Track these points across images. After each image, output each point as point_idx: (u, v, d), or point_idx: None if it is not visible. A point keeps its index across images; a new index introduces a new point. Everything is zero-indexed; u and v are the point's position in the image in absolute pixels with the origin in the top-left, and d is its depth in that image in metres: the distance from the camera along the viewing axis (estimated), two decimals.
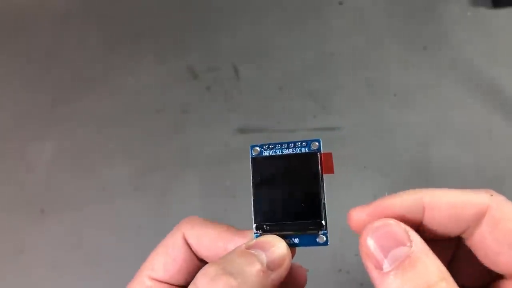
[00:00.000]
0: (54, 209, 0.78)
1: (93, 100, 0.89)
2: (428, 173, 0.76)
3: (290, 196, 0.21)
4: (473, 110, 0.81)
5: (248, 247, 0.19)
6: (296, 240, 0.21)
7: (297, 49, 0.91)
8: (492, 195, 0.19)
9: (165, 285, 0.21)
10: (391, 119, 0.82)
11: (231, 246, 0.21)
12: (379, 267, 0.17)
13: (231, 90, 0.87)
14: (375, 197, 0.81)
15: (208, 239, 0.21)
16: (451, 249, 0.22)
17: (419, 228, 0.20)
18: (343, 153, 0.79)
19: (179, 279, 0.22)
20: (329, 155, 0.21)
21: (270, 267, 0.18)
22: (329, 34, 0.92)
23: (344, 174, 0.77)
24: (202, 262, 0.22)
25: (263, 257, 0.19)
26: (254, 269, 0.18)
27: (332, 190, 0.81)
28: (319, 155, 0.21)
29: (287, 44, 0.91)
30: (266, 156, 0.22)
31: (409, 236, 0.18)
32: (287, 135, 0.82)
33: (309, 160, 0.21)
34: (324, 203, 0.21)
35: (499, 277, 0.20)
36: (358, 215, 0.20)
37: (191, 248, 0.22)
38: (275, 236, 0.20)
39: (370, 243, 0.18)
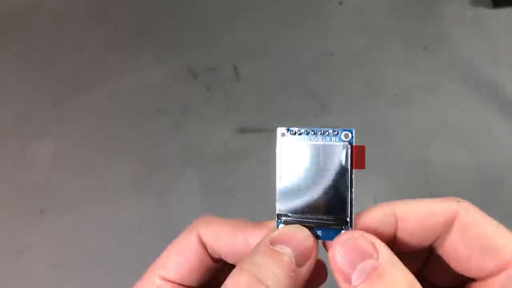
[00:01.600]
0: (54, 209, 0.78)
1: (93, 100, 0.89)
2: (428, 173, 0.76)
3: (316, 188, 0.20)
4: (473, 110, 0.81)
5: (272, 242, 0.18)
6: (319, 233, 0.20)
7: (297, 49, 0.91)
8: (458, 201, 0.19)
9: (176, 285, 0.21)
10: (391, 119, 0.82)
11: (252, 239, 0.20)
12: (348, 281, 0.17)
13: (231, 90, 0.87)
14: (375, 197, 0.81)
15: (226, 235, 0.21)
16: (423, 258, 0.23)
17: (394, 241, 0.20)
18: None
19: (190, 280, 0.21)
20: (361, 149, 0.19)
21: (298, 262, 0.18)
22: (329, 34, 0.92)
23: None
24: (215, 263, 0.22)
25: (290, 253, 0.18)
26: (285, 272, 0.17)
27: None
28: (350, 148, 0.19)
29: (287, 44, 0.91)
30: (294, 142, 0.20)
31: (375, 248, 0.18)
32: None
33: (339, 152, 0.19)
34: (352, 199, 0.19)
35: (470, 279, 0.20)
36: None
37: (205, 249, 0.21)
38: (298, 226, 0.19)
39: (338, 257, 0.18)
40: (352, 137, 0.19)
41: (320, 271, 0.22)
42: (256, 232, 0.21)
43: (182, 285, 0.21)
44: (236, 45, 0.92)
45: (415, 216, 0.19)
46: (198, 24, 0.96)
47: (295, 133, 0.20)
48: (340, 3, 0.95)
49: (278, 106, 0.85)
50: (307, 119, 0.83)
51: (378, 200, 0.74)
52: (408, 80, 0.85)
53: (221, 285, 0.18)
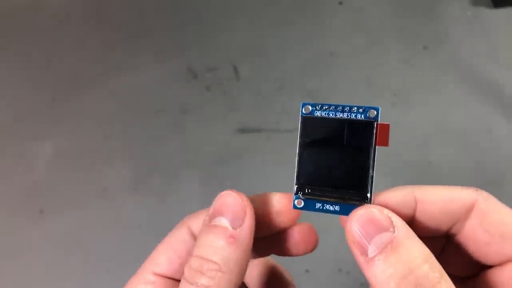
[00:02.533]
0: (54, 209, 0.78)
1: (93, 100, 0.89)
2: (428, 173, 0.76)
3: (338, 163, 0.20)
4: (473, 110, 0.81)
5: (210, 218, 0.19)
6: (337, 208, 0.20)
7: (297, 49, 0.91)
8: (477, 190, 0.20)
9: (169, 280, 0.21)
10: (391, 119, 0.81)
11: None
12: (365, 253, 0.18)
13: (231, 90, 0.87)
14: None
15: None
16: (439, 247, 0.23)
17: (411, 223, 0.20)
18: None
19: (182, 274, 0.21)
20: (386, 126, 0.20)
21: (234, 225, 0.18)
22: (329, 34, 0.92)
23: None
24: None
25: (225, 220, 0.19)
26: (223, 240, 0.18)
27: None
28: (375, 125, 0.20)
29: (287, 44, 0.91)
30: (317, 117, 0.20)
31: (391, 222, 0.18)
32: (287, 135, 0.82)
33: (364, 128, 0.19)
34: (373, 176, 0.20)
35: (487, 267, 0.21)
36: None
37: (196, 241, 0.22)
38: (228, 193, 0.20)
39: (354, 230, 0.18)
40: (378, 114, 0.20)
41: (309, 235, 0.22)
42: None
43: (175, 279, 0.21)
44: (236, 45, 0.92)
45: (435, 200, 0.20)
46: (198, 24, 0.96)
47: (321, 108, 0.20)
48: (340, 3, 0.95)
49: (278, 106, 0.85)
50: None
51: None
52: (408, 80, 0.85)
53: None
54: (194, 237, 0.22)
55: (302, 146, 0.20)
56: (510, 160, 0.76)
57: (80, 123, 0.87)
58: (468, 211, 0.20)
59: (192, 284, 0.18)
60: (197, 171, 0.79)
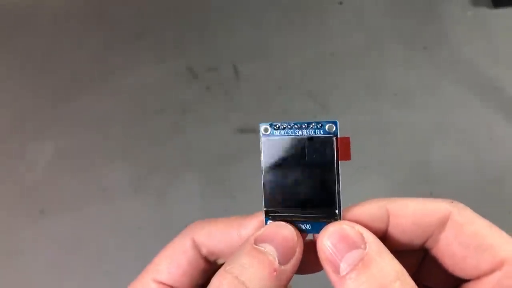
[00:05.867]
0: (54, 209, 0.78)
1: (93, 100, 0.89)
2: (428, 173, 0.76)
3: (303, 182, 0.20)
4: (473, 110, 0.81)
5: (256, 241, 0.18)
6: (308, 226, 0.20)
7: (297, 49, 0.91)
8: (452, 202, 0.19)
9: None
10: (391, 119, 0.82)
11: (244, 232, 0.20)
12: (336, 271, 0.17)
13: (231, 90, 0.87)
14: (375, 197, 0.81)
15: (220, 232, 0.21)
16: (417, 261, 0.23)
17: (385, 237, 0.20)
18: None
19: (183, 283, 0.21)
20: (346, 140, 0.19)
21: (281, 261, 0.18)
22: (329, 34, 0.92)
23: (344, 174, 0.76)
24: (210, 266, 0.22)
25: (273, 251, 0.18)
26: (267, 272, 0.17)
27: None
28: (335, 140, 0.19)
29: (287, 44, 0.91)
30: (277, 137, 0.20)
31: (363, 238, 0.18)
32: None
33: (324, 144, 0.19)
34: (339, 191, 0.20)
35: (464, 280, 0.20)
36: None
37: (199, 252, 0.22)
38: (281, 223, 0.19)
39: (326, 248, 0.18)
40: (336, 128, 0.19)
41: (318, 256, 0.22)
42: (246, 224, 0.21)
43: (175, 287, 0.21)
44: (236, 45, 0.92)
45: (408, 213, 0.19)
46: (198, 24, 0.96)
47: (279, 127, 0.20)
48: (340, 3, 0.95)
49: (278, 106, 0.85)
50: (307, 119, 0.82)
51: None
52: (408, 80, 0.85)
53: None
54: (197, 249, 0.21)
55: (266, 168, 0.20)
56: (510, 160, 0.76)
57: (80, 123, 0.87)
58: (442, 224, 0.19)
59: None
60: (197, 171, 0.79)
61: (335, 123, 0.19)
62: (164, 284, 0.21)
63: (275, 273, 0.18)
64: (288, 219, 0.20)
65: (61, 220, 0.77)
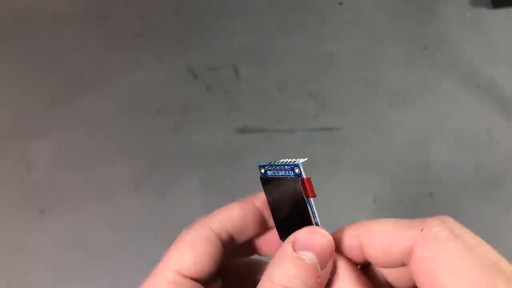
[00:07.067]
0: (54, 209, 0.78)
1: (93, 100, 0.89)
2: (428, 173, 0.77)
3: (294, 214, 0.21)
4: (473, 110, 0.81)
5: (296, 249, 0.19)
6: None
7: (297, 49, 0.91)
8: (422, 230, 0.18)
9: (193, 281, 0.21)
10: (391, 119, 0.82)
11: (258, 203, 0.22)
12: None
13: (231, 90, 0.87)
14: (375, 196, 0.81)
15: (235, 212, 0.23)
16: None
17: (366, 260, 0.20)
18: (343, 153, 0.79)
19: (206, 273, 0.21)
20: (308, 180, 0.21)
21: (321, 266, 0.19)
22: (329, 34, 0.92)
23: (344, 174, 0.77)
24: (228, 250, 0.22)
25: (314, 258, 0.19)
26: (313, 280, 0.18)
27: (332, 189, 0.80)
28: (300, 181, 0.21)
29: (287, 44, 0.91)
30: (269, 177, 0.22)
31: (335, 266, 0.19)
32: (287, 135, 0.82)
33: (295, 184, 0.21)
34: (318, 223, 0.21)
35: None
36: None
37: (220, 238, 0.22)
38: (316, 228, 0.20)
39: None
40: (300, 170, 0.21)
41: None
42: (257, 197, 0.23)
43: (197, 280, 0.21)
44: (236, 45, 0.92)
45: (377, 242, 0.19)
46: (198, 24, 0.96)
47: (269, 167, 0.22)
48: (340, 4, 0.95)
49: (278, 106, 0.85)
50: (307, 119, 0.83)
51: (378, 200, 0.74)
52: (408, 80, 0.85)
53: (232, 276, 0.19)
54: (217, 236, 0.22)
55: (270, 203, 0.22)
56: (510, 160, 0.76)
57: (80, 123, 0.87)
58: (407, 255, 0.18)
59: None
60: (197, 170, 0.79)
61: (298, 165, 0.21)
62: (187, 277, 0.21)
63: (319, 279, 0.18)
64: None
65: (62, 219, 0.77)
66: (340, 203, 0.72)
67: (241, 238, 0.23)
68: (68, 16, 1.01)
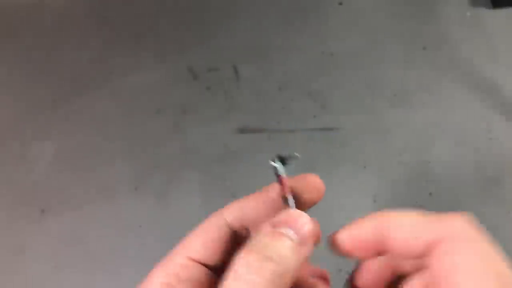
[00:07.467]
0: (55, 209, 0.78)
1: (93, 100, 0.89)
2: (428, 173, 0.77)
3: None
4: (472, 110, 0.81)
5: (275, 225, 0.20)
6: None
7: (297, 49, 0.91)
8: (449, 226, 0.19)
9: (202, 266, 0.22)
10: (391, 119, 0.82)
11: (272, 194, 0.23)
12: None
13: (231, 90, 0.87)
14: (375, 196, 0.81)
15: (249, 203, 0.23)
16: None
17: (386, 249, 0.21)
18: (343, 153, 0.79)
19: (216, 260, 0.22)
20: (283, 179, 0.23)
21: (301, 242, 0.20)
22: (329, 34, 0.92)
23: (344, 174, 0.77)
24: (240, 239, 0.23)
25: (292, 234, 0.20)
26: (289, 250, 0.19)
27: (332, 189, 0.81)
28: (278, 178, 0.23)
29: (287, 44, 0.91)
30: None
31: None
32: (287, 135, 0.82)
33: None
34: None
35: None
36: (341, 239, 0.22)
37: (232, 227, 0.23)
38: (296, 210, 0.21)
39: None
40: (277, 171, 0.23)
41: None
42: (269, 188, 0.23)
43: (207, 266, 0.22)
44: (236, 45, 0.92)
45: (403, 235, 0.20)
46: (198, 24, 0.96)
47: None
48: (340, 3, 0.95)
49: (278, 106, 0.85)
50: (307, 119, 0.83)
51: (378, 200, 0.74)
52: (408, 80, 0.85)
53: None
54: (229, 225, 0.23)
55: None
56: (510, 160, 0.76)
57: (80, 123, 0.87)
58: (428, 249, 0.19)
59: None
60: (197, 171, 0.79)
61: (274, 167, 0.23)
62: (197, 261, 0.22)
63: (295, 250, 0.19)
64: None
65: (62, 220, 0.77)
66: (340, 203, 0.72)
67: (256, 228, 0.23)
68: (68, 16, 1.01)
